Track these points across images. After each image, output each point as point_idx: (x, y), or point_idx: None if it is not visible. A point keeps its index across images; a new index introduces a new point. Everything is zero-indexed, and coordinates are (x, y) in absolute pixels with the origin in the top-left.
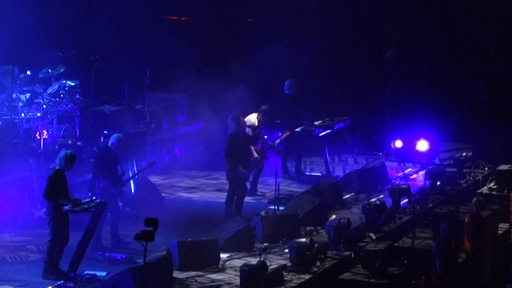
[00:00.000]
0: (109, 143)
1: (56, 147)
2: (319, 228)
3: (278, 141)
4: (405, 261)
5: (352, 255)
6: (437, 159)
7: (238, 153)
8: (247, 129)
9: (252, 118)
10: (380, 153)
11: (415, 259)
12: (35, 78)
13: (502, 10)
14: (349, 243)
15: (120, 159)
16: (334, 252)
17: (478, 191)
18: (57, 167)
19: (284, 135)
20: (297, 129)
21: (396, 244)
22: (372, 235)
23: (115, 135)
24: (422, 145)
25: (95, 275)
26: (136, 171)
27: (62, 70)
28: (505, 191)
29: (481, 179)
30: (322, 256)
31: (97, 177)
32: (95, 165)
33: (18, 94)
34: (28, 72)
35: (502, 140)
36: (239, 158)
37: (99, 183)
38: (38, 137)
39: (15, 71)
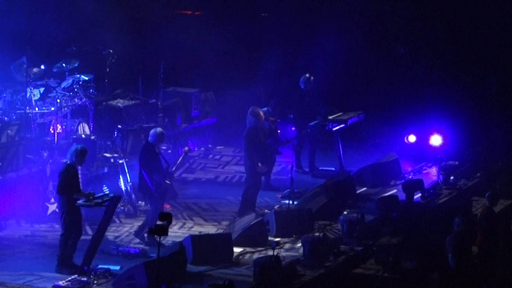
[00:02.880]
0: (149, 138)
1: (70, 141)
2: (332, 222)
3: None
4: (419, 256)
5: (366, 250)
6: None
7: (258, 148)
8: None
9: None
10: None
11: (428, 253)
12: (49, 72)
13: None
14: (362, 238)
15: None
16: (348, 246)
17: (491, 185)
18: (68, 162)
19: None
20: (311, 124)
21: (409, 239)
22: None
23: (155, 130)
24: (436, 140)
25: (109, 269)
26: (176, 162)
27: (76, 65)
28: None
29: (494, 173)
30: (336, 250)
31: (150, 174)
32: (142, 163)
33: (32, 89)
34: (42, 66)
35: None
36: (259, 153)
37: (152, 179)
38: (52, 132)
39: (29, 66)
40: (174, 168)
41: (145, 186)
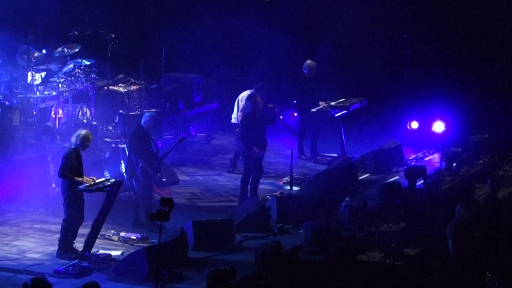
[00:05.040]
0: (142, 122)
1: (72, 126)
2: (334, 209)
3: None
4: (421, 243)
5: (368, 237)
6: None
7: (254, 133)
8: (242, 106)
9: (246, 95)
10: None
11: (430, 240)
12: (50, 57)
13: None
14: (364, 224)
15: (153, 137)
16: (350, 233)
17: (494, 172)
18: (72, 146)
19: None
20: (313, 110)
21: (411, 225)
22: None
23: (148, 114)
24: (438, 127)
25: (110, 255)
26: (168, 148)
27: (78, 49)
28: None
29: (497, 160)
30: (337, 237)
31: (136, 157)
32: (131, 146)
33: (33, 73)
34: (44, 51)
35: None
36: (254, 138)
37: (138, 163)
38: (54, 116)
39: (30, 51)
40: (163, 155)
41: (131, 168)
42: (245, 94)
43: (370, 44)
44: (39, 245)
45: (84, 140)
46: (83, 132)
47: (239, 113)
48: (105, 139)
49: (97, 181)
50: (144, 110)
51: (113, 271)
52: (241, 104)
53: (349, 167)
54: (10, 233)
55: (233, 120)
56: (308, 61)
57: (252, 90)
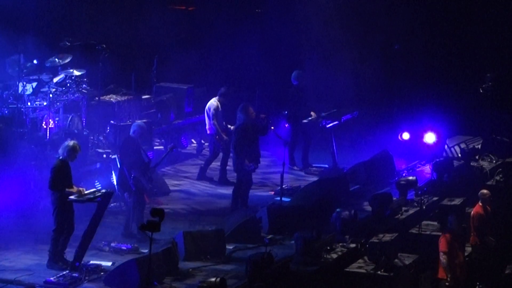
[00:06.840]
0: (131, 132)
1: (63, 136)
2: (325, 219)
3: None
4: (412, 254)
5: (359, 247)
6: (445, 150)
7: (246, 145)
8: (212, 114)
9: (214, 102)
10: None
11: (421, 251)
12: (41, 67)
13: None
14: (355, 235)
15: (144, 147)
16: (341, 243)
17: (486, 183)
18: (60, 157)
19: None
20: (304, 121)
21: (402, 236)
22: None
23: (136, 123)
24: (430, 138)
25: (100, 265)
26: (159, 158)
27: (69, 59)
28: None
29: (488, 171)
30: (329, 247)
31: (129, 168)
32: (122, 157)
33: (24, 83)
34: (35, 61)
35: (510, 132)
36: (247, 150)
37: (131, 174)
38: (45, 126)
39: (22, 61)
40: (155, 164)
41: (124, 180)
42: (211, 102)
43: (362, 54)
44: (30, 255)
45: (72, 151)
46: (70, 143)
47: (213, 121)
48: (96, 149)
49: (87, 192)
50: (135, 120)
51: (104, 282)
52: (210, 113)
53: (340, 178)
54: (0, 243)
55: (208, 131)
56: (297, 71)
57: (217, 97)
